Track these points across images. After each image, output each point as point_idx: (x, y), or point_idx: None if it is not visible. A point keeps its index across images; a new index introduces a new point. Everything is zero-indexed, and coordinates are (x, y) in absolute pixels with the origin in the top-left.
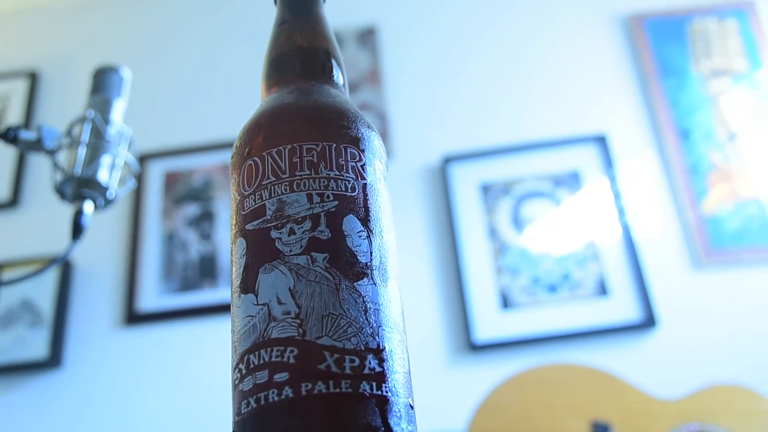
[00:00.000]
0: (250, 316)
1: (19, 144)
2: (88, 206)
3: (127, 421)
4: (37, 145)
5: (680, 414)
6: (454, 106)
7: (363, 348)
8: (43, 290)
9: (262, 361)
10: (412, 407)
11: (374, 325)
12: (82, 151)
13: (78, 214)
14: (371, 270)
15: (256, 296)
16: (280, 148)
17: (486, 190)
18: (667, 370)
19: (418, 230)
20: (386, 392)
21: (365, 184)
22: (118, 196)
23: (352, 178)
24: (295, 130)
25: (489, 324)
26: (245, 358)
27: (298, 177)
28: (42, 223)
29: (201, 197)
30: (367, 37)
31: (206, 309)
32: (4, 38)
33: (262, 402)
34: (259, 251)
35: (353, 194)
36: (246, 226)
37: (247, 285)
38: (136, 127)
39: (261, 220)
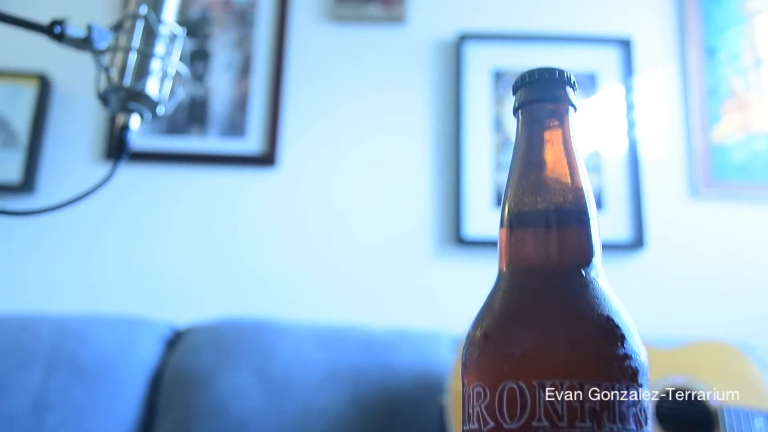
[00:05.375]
0: None
1: (65, 41)
2: (135, 121)
3: (92, 255)
4: (84, 44)
5: (668, 365)
6: None
7: None
8: (19, 108)
9: None
10: None
11: None
12: (132, 57)
13: (123, 130)
14: None
15: None
16: (556, 382)
17: (498, 77)
18: (649, 295)
19: (420, 108)
20: None
21: None
22: (168, 109)
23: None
24: (574, 359)
25: (480, 220)
26: None
27: (578, 430)
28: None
29: (196, 32)
30: None
31: (192, 156)
32: None
33: None
34: None
35: None
36: None
37: None
38: None
39: None
